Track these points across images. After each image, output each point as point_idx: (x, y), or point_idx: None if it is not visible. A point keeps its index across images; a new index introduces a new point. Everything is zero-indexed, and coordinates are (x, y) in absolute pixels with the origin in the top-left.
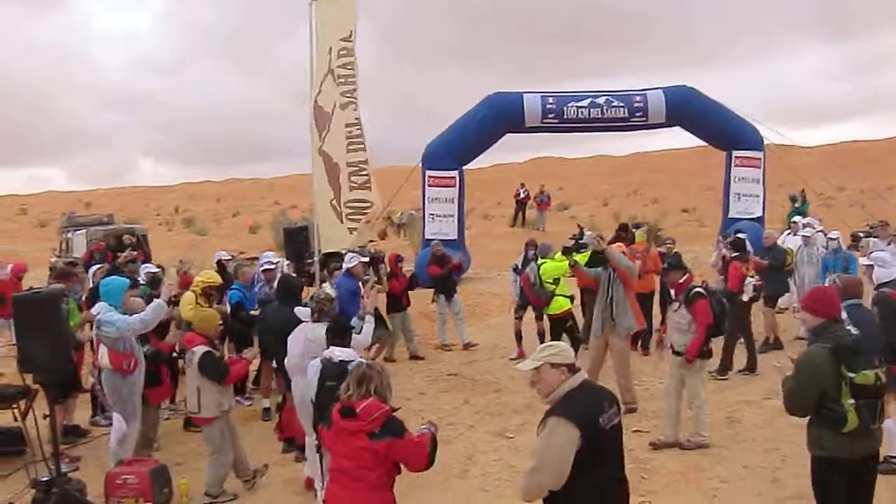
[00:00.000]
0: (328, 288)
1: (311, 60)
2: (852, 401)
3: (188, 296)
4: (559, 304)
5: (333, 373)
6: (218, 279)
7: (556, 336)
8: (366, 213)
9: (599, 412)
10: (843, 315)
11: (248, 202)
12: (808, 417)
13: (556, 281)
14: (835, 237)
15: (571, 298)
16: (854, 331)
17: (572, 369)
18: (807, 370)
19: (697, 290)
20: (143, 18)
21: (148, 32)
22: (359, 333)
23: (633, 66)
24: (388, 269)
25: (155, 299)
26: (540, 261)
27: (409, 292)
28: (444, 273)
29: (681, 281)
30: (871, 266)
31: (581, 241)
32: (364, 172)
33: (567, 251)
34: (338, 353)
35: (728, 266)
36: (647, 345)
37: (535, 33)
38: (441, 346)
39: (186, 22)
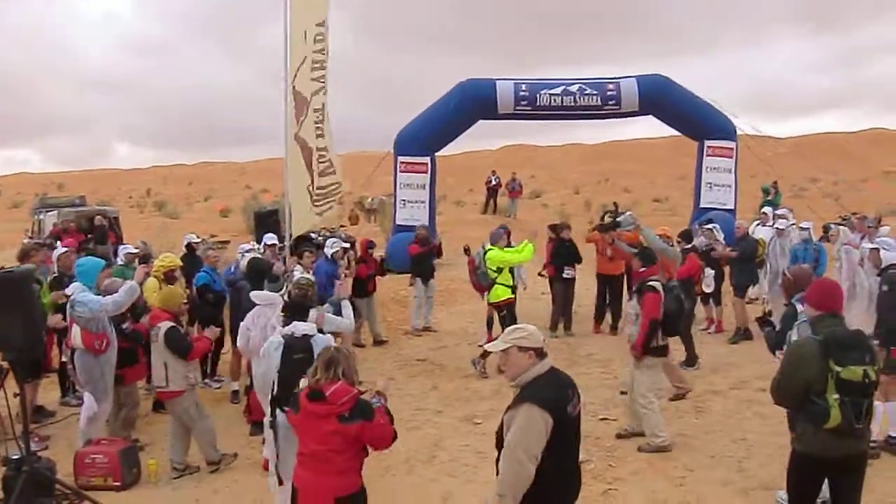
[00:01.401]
0: (299, 269)
1: (285, 45)
2: (837, 396)
3: (151, 282)
4: (498, 293)
5: (300, 346)
6: (177, 261)
7: (503, 322)
8: (333, 196)
9: (567, 400)
10: (800, 308)
11: (219, 186)
12: (783, 410)
13: (500, 270)
14: (806, 227)
15: (513, 289)
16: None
17: (540, 353)
18: (794, 360)
19: (651, 282)
20: (123, 1)
21: (127, 15)
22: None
23: (613, 54)
24: (358, 254)
25: (128, 281)
26: (487, 247)
27: (378, 278)
28: (423, 252)
29: (640, 270)
30: (877, 249)
31: (617, 220)
32: (325, 158)
33: (603, 229)
34: (301, 327)
35: (685, 257)
36: (616, 326)
37: (514, 20)
38: (413, 331)
39: (166, 4)
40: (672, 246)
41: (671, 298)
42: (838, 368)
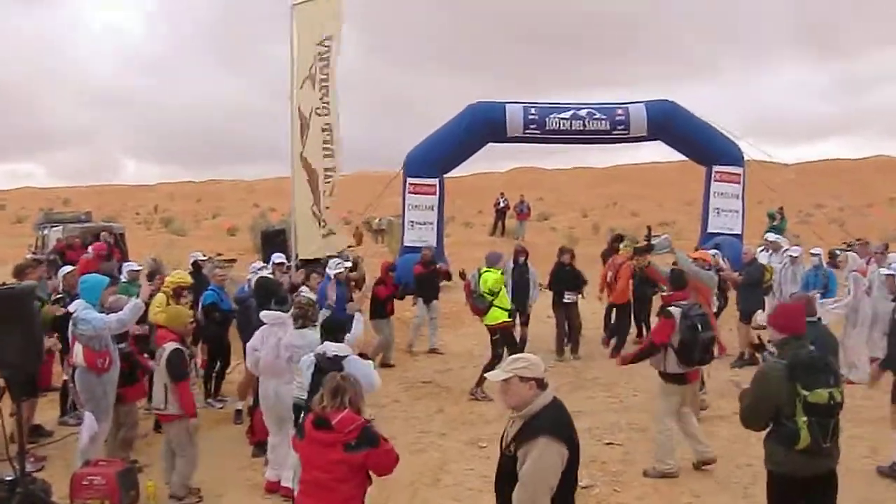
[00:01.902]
0: (306, 291)
1: (291, 64)
2: (805, 418)
3: (159, 297)
4: (494, 315)
5: (330, 367)
6: (187, 279)
7: (495, 346)
8: (327, 221)
9: (574, 429)
10: None
11: (227, 203)
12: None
13: (495, 293)
14: (816, 253)
15: (509, 312)
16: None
17: (541, 384)
18: (762, 385)
19: (670, 307)
20: (132, 16)
21: (136, 30)
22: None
23: (622, 77)
24: (379, 274)
25: (133, 299)
26: (483, 270)
27: (395, 300)
28: (426, 273)
29: (666, 294)
30: (892, 275)
31: (652, 243)
32: (329, 180)
33: (639, 252)
34: (332, 348)
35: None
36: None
37: (524, 42)
38: (408, 350)
39: (176, 20)
40: (709, 270)
41: (685, 327)
42: (805, 392)
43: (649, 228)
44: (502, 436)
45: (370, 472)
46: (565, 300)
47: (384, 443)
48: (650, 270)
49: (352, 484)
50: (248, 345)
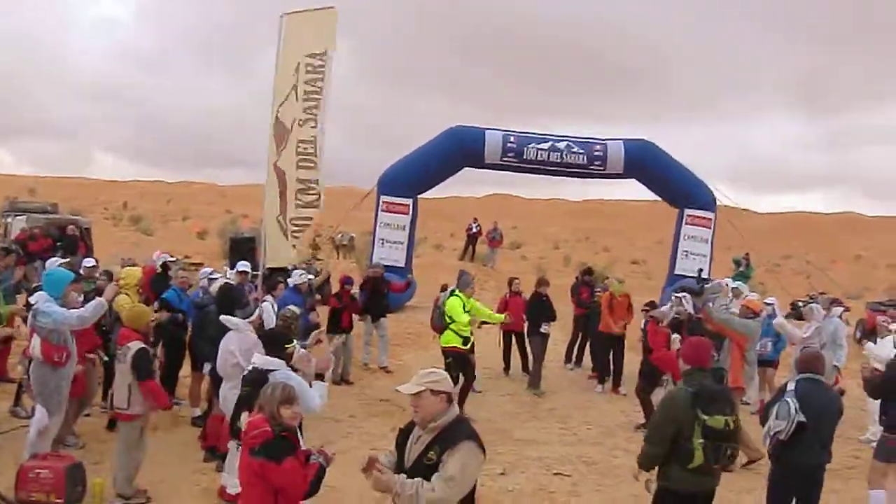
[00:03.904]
0: (269, 300)
1: (275, 72)
2: (702, 440)
3: (122, 298)
4: (447, 338)
5: (249, 378)
6: (137, 273)
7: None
8: (303, 231)
9: None
10: (791, 387)
11: (198, 206)
12: None
13: (453, 318)
14: (770, 303)
15: (465, 340)
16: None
17: (450, 399)
18: (668, 408)
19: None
20: (122, 11)
21: (125, 24)
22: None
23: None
24: (337, 289)
25: (97, 297)
26: (457, 291)
27: (354, 315)
28: (373, 291)
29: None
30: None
31: (703, 286)
32: (314, 191)
33: (693, 293)
34: (270, 362)
35: (647, 325)
36: (619, 383)
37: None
38: (378, 369)
39: (166, 19)
40: (754, 318)
41: None
42: (705, 417)
43: (700, 271)
44: (402, 452)
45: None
46: (542, 331)
47: (289, 462)
48: (703, 313)
49: (257, 492)
50: (222, 345)
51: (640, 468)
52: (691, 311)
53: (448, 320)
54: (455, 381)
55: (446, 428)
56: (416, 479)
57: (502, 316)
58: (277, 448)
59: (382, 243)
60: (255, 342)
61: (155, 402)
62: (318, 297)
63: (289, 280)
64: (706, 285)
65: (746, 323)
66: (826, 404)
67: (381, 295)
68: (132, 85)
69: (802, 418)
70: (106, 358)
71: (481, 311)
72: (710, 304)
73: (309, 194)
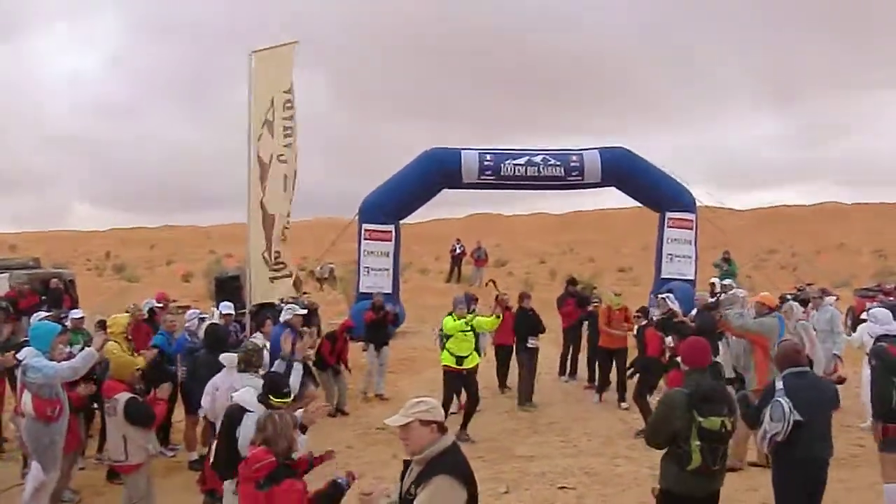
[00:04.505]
0: (259, 338)
1: (248, 111)
2: (699, 442)
3: (111, 345)
4: (443, 357)
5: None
6: (125, 318)
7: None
8: (285, 264)
9: (472, 475)
10: (779, 385)
11: (183, 250)
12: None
13: (449, 336)
14: (727, 283)
15: (458, 359)
16: (784, 402)
17: (441, 428)
18: (665, 410)
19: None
20: (90, 61)
21: (94, 74)
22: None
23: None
24: (336, 333)
25: (87, 348)
26: (460, 314)
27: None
28: (377, 319)
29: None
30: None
31: (719, 299)
32: (288, 224)
33: (707, 307)
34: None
35: (644, 332)
36: (623, 398)
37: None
38: (374, 397)
39: (135, 66)
40: (770, 314)
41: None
42: (701, 419)
43: (712, 285)
44: (401, 484)
45: None
46: (529, 345)
47: (290, 483)
48: (722, 324)
49: None
50: (209, 385)
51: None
52: (676, 309)
53: (445, 340)
54: (449, 401)
55: (431, 461)
56: None
57: (497, 319)
58: (281, 472)
59: (368, 272)
60: (241, 379)
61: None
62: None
63: (281, 316)
64: (721, 297)
65: (761, 322)
66: (817, 396)
67: (384, 324)
68: (105, 134)
69: (798, 417)
70: (96, 407)
71: (483, 323)
72: (727, 314)
73: (287, 228)
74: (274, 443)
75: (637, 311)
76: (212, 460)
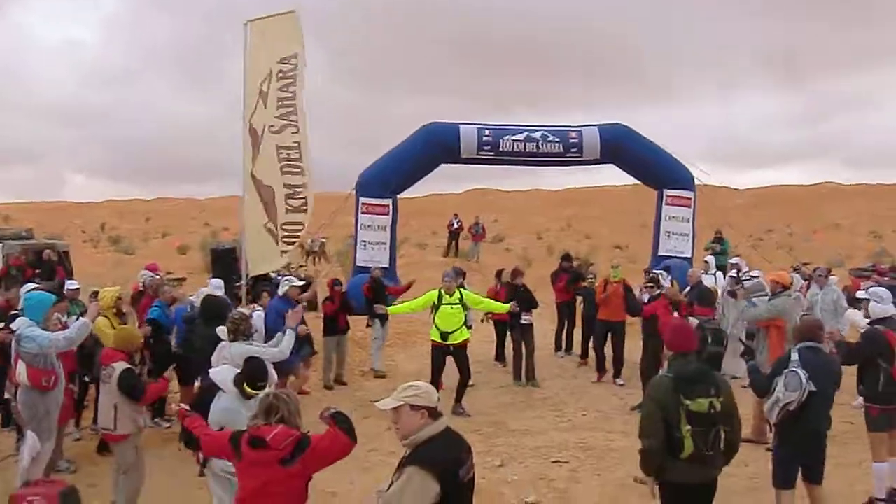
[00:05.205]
0: (258, 310)
1: (244, 82)
2: (689, 427)
3: (102, 321)
4: (431, 332)
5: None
6: (115, 291)
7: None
8: (298, 236)
9: (459, 464)
10: (794, 357)
11: (178, 222)
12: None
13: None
14: (735, 262)
15: (442, 335)
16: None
17: (433, 413)
18: (653, 395)
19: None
20: (85, 31)
21: (90, 44)
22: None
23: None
24: (327, 292)
25: (81, 318)
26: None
27: (347, 316)
28: (376, 293)
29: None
30: (867, 300)
31: (743, 285)
32: (301, 196)
33: (731, 294)
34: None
35: (654, 302)
36: (619, 373)
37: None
38: (375, 372)
39: (130, 36)
40: (784, 292)
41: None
42: (687, 402)
43: (706, 263)
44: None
45: (307, 486)
46: (522, 321)
47: (318, 440)
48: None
49: (287, 498)
50: (214, 358)
51: (645, 474)
52: (667, 284)
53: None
54: (437, 375)
55: (418, 446)
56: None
57: (507, 306)
58: (304, 440)
59: (365, 245)
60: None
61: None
62: (304, 304)
63: (278, 290)
64: (745, 285)
65: (772, 305)
66: (828, 371)
67: (382, 297)
68: (100, 104)
69: (813, 387)
70: (87, 379)
71: (474, 299)
72: (750, 305)
73: (296, 198)
74: (291, 422)
75: (648, 282)
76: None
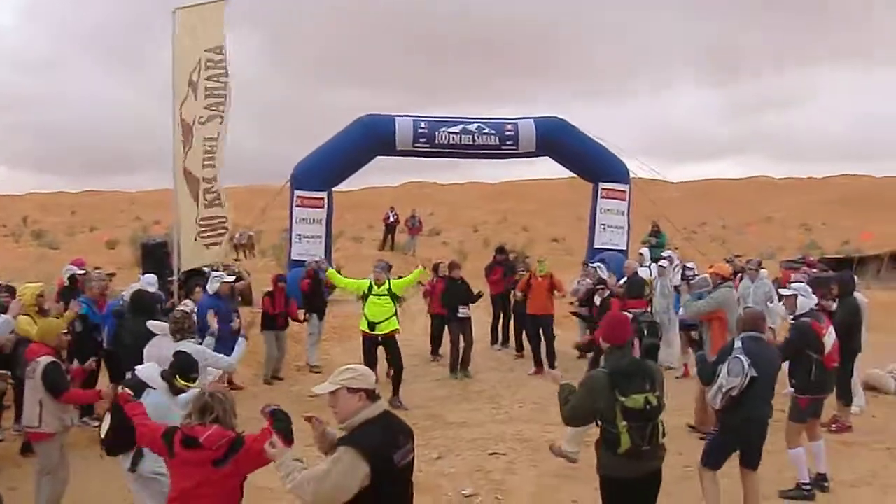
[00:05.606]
0: (189, 305)
1: (173, 71)
2: (625, 423)
3: (23, 319)
4: (360, 322)
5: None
6: (35, 288)
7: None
8: (221, 230)
9: (394, 447)
10: (738, 345)
11: (107, 215)
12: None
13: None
14: (664, 266)
15: (370, 325)
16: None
17: (371, 395)
18: (586, 390)
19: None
20: (5, 15)
21: (12, 29)
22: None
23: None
24: (270, 287)
25: (1, 315)
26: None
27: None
28: (313, 287)
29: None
30: (794, 296)
31: (690, 282)
32: (213, 189)
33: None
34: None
35: (609, 303)
36: (552, 364)
37: (421, 55)
38: (309, 368)
39: (55, 21)
40: (725, 284)
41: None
42: (623, 398)
43: (641, 255)
44: None
45: (242, 485)
46: (460, 315)
47: (252, 441)
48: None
49: (221, 499)
50: (146, 353)
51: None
52: (606, 278)
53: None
54: (369, 366)
55: (353, 429)
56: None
57: (420, 270)
58: (238, 441)
59: (300, 239)
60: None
61: (86, 402)
62: (238, 299)
63: (207, 285)
64: (691, 282)
65: (712, 298)
66: (770, 360)
67: (321, 291)
68: (22, 92)
69: (755, 373)
70: (11, 380)
71: (400, 283)
72: (694, 299)
73: (211, 192)
74: (226, 422)
75: (598, 284)
76: (103, 435)
